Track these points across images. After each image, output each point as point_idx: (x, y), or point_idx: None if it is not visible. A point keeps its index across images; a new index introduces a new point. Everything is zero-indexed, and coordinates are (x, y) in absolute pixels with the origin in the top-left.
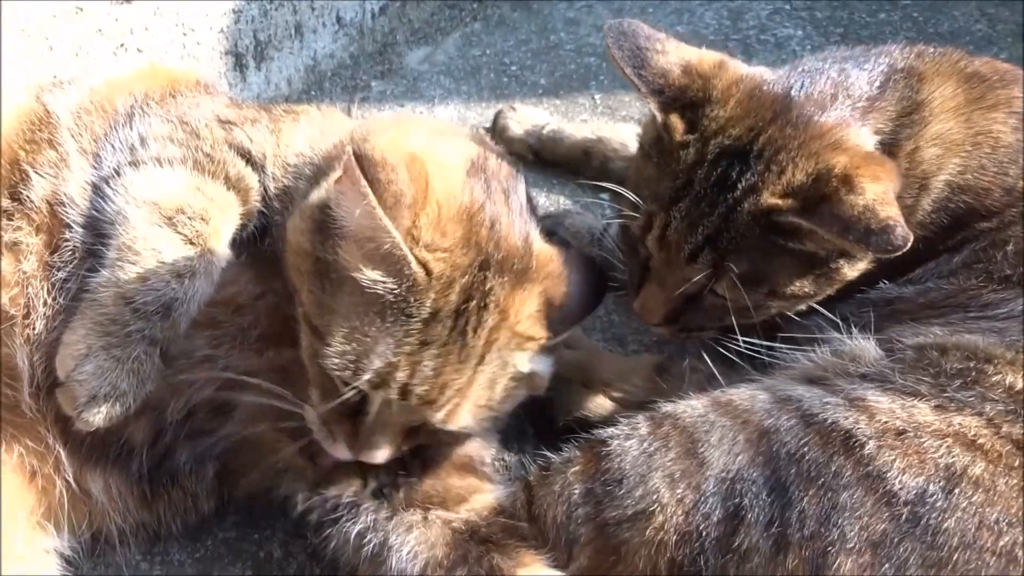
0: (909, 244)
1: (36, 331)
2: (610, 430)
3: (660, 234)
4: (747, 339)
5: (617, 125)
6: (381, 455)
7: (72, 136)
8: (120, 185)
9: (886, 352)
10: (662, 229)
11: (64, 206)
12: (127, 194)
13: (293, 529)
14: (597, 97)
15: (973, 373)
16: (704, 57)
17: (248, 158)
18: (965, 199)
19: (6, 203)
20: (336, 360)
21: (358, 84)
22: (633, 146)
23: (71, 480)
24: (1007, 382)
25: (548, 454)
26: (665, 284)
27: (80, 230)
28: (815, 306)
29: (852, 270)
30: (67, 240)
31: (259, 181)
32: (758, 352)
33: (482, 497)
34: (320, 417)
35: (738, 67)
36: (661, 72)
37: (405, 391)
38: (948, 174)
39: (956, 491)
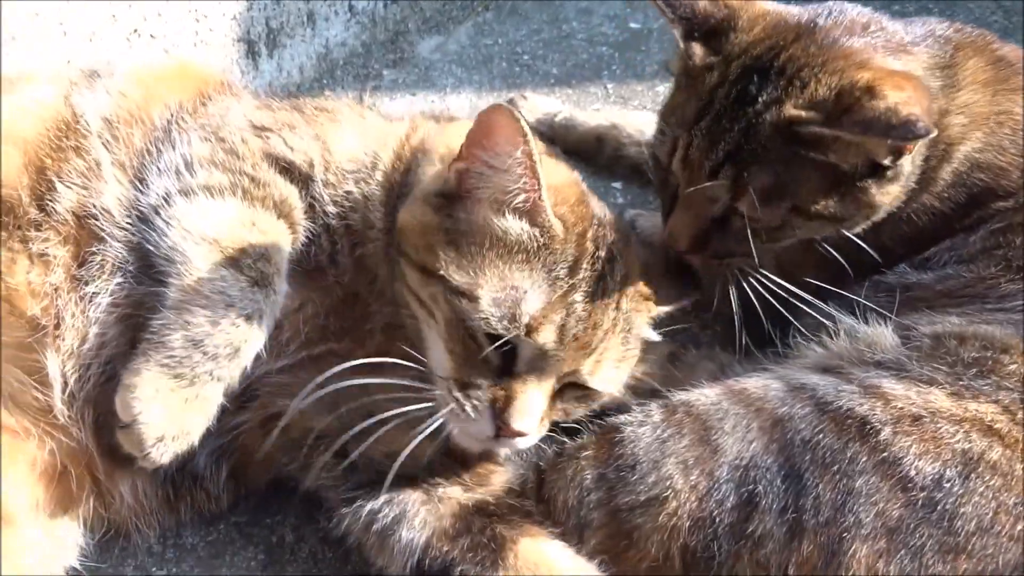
0: (932, 135)
1: (67, 342)
2: (623, 417)
3: (683, 155)
4: (768, 278)
5: (631, 113)
6: (530, 422)
7: (105, 146)
8: (173, 217)
9: (902, 339)
10: (685, 149)
11: (95, 219)
12: (182, 228)
13: (304, 514)
14: (609, 87)
15: (989, 362)
16: None
17: (289, 170)
18: (983, 177)
19: (34, 213)
20: (493, 311)
21: (370, 72)
22: (648, 132)
23: (102, 480)
24: (1023, 372)
25: (562, 439)
26: (691, 207)
27: (116, 245)
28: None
29: (880, 194)
30: (95, 253)
31: (303, 195)
32: (779, 307)
33: (496, 478)
34: (459, 388)
35: (765, 3)
36: (690, 2)
37: (562, 333)
38: (970, 147)
39: (973, 476)
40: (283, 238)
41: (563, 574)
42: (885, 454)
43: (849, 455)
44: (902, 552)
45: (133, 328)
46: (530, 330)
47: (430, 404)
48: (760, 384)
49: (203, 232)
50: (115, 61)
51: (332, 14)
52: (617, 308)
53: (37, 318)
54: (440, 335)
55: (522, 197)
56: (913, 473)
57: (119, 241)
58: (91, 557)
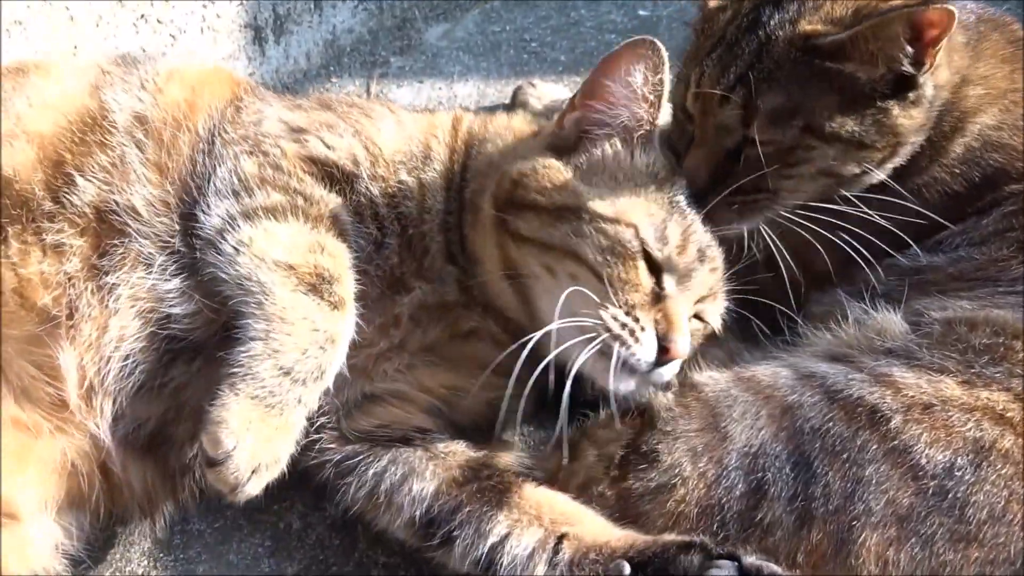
0: (956, 17)
1: (84, 333)
2: (656, 399)
3: (696, 86)
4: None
5: None
6: (687, 342)
7: (136, 144)
8: (241, 243)
9: (912, 326)
10: (697, 81)
11: (118, 215)
12: (252, 254)
13: (312, 501)
14: None
15: (1001, 349)
16: None
17: (330, 172)
18: (997, 158)
19: (48, 206)
20: (651, 232)
21: (377, 59)
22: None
23: (115, 473)
24: None
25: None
26: (706, 140)
27: (144, 242)
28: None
29: (904, 116)
30: (117, 246)
31: (348, 195)
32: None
33: (505, 455)
34: (625, 313)
35: None
36: None
37: (702, 253)
38: (984, 121)
39: (985, 464)
40: (347, 257)
41: (566, 510)
42: (895, 442)
43: (859, 443)
44: (912, 540)
45: (154, 323)
46: (679, 250)
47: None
48: (769, 372)
49: (276, 258)
50: (154, 56)
51: (339, 0)
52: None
53: (48, 308)
54: (586, 271)
55: (646, 129)
56: (924, 461)
57: (145, 238)
58: (97, 545)
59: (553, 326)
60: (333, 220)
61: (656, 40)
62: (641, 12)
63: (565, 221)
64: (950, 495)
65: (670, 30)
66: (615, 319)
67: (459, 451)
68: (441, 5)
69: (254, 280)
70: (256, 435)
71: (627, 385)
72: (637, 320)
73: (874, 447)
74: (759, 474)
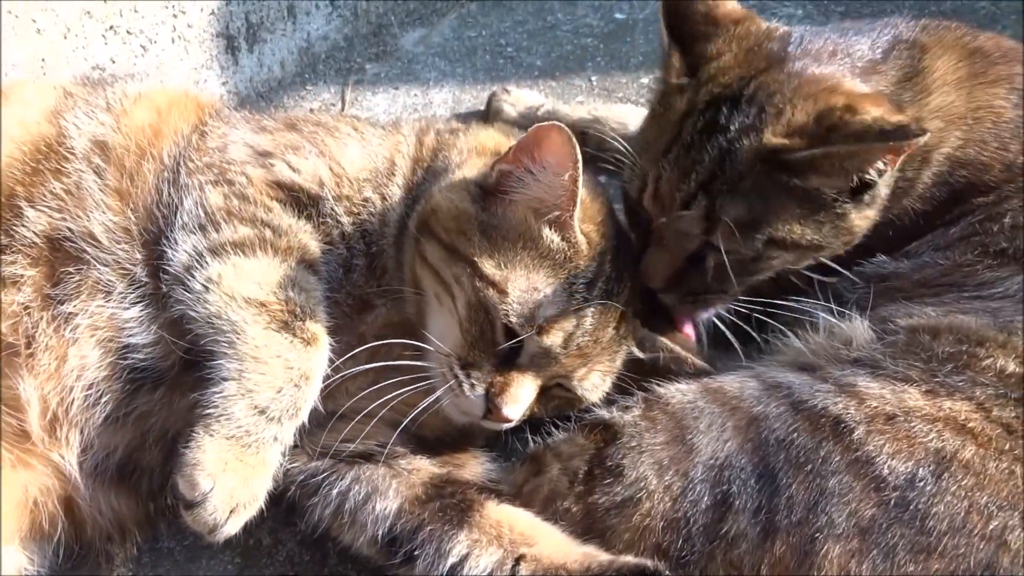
0: (927, 136)
1: (43, 363)
2: (618, 415)
3: (654, 189)
4: (750, 302)
5: (614, 106)
6: (518, 410)
7: (94, 171)
8: (210, 281)
9: (879, 334)
10: (655, 183)
11: (76, 242)
12: (221, 292)
13: (282, 517)
14: (594, 79)
15: (965, 357)
16: (732, 8)
17: (297, 196)
18: (965, 174)
19: (6, 239)
20: (515, 306)
21: (352, 66)
22: (632, 125)
23: (82, 504)
24: (998, 366)
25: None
26: (665, 243)
27: (102, 269)
28: (819, 277)
29: (860, 218)
30: (73, 273)
31: (314, 217)
32: (760, 316)
33: (473, 465)
34: (461, 367)
35: (758, 23)
36: (685, 12)
37: (568, 340)
38: (949, 147)
39: (946, 475)
40: (318, 290)
41: (525, 530)
42: (858, 453)
43: (822, 454)
44: (874, 552)
45: (114, 353)
46: (541, 331)
47: (425, 383)
48: (737, 383)
49: (247, 296)
50: (124, 76)
51: (313, 8)
52: (616, 329)
53: (5, 336)
54: (455, 314)
55: (557, 213)
56: (886, 472)
57: (105, 265)
58: (65, 568)
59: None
60: (303, 251)
61: (571, 134)
62: (617, 15)
63: (455, 263)
64: (911, 506)
65: (646, 33)
66: (451, 368)
67: (422, 468)
68: (417, 10)
69: (224, 319)
70: (233, 475)
71: (460, 418)
72: (469, 377)
73: (837, 458)
74: (724, 486)
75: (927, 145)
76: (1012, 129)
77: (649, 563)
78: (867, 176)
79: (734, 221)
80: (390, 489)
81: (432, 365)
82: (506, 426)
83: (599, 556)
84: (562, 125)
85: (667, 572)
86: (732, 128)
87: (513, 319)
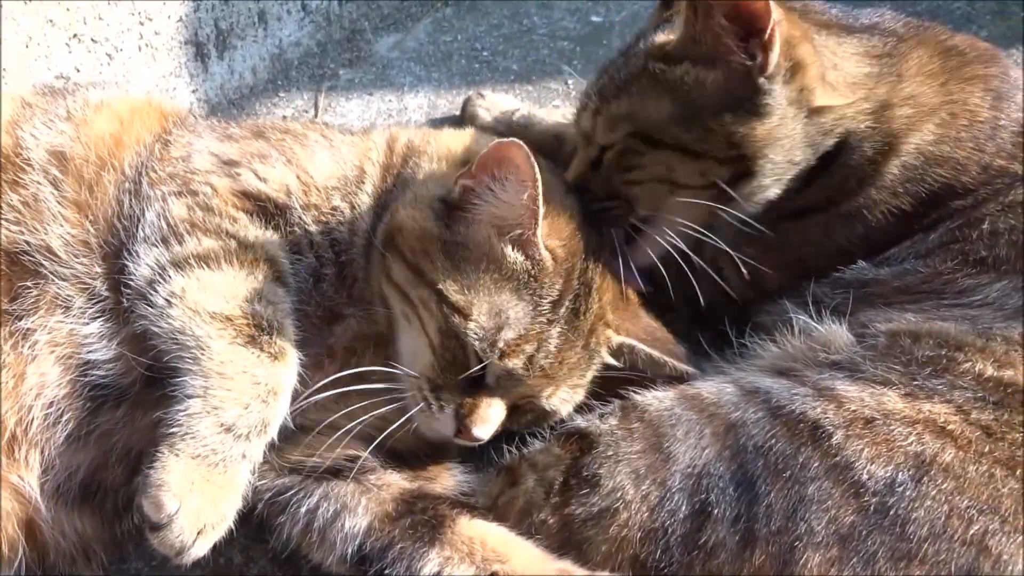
0: (775, 16)
1: (0, 381)
2: (595, 424)
3: (580, 107)
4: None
5: None
6: (488, 429)
7: (51, 183)
8: (173, 295)
9: (858, 338)
10: (584, 102)
11: (33, 256)
12: (185, 306)
13: (253, 534)
14: (570, 82)
15: (944, 361)
16: None
17: (264, 206)
18: (942, 173)
19: None
20: (478, 331)
21: (326, 72)
22: None
23: (48, 524)
24: (977, 370)
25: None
26: (580, 150)
27: (62, 284)
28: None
29: (741, 127)
30: (31, 288)
31: (282, 228)
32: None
33: (446, 477)
34: (431, 389)
35: None
36: None
37: (530, 362)
38: (920, 139)
39: (926, 479)
40: (286, 302)
41: (498, 546)
42: (837, 458)
43: (801, 460)
44: (854, 560)
45: (74, 370)
46: (503, 355)
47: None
48: (714, 388)
49: (211, 310)
50: (86, 85)
51: (284, 13)
52: (585, 346)
53: None
54: (424, 336)
55: (519, 231)
56: (865, 477)
57: (63, 280)
58: None
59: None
60: (270, 263)
61: (530, 152)
62: (594, 18)
63: (421, 285)
64: (891, 512)
65: (623, 36)
66: (420, 390)
67: (393, 483)
68: (392, 15)
69: (189, 334)
70: (200, 495)
71: (432, 434)
72: (439, 399)
73: (816, 464)
74: (703, 495)
75: (894, 133)
76: (988, 130)
77: None
78: (736, 64)
79: (611, 116)
80: (359, 506)
81: (403, 385)
82: (476, 444)
83: (574, 572)
84: (520, 143)
85: None
86: (642, 43)
87: (476, 344)
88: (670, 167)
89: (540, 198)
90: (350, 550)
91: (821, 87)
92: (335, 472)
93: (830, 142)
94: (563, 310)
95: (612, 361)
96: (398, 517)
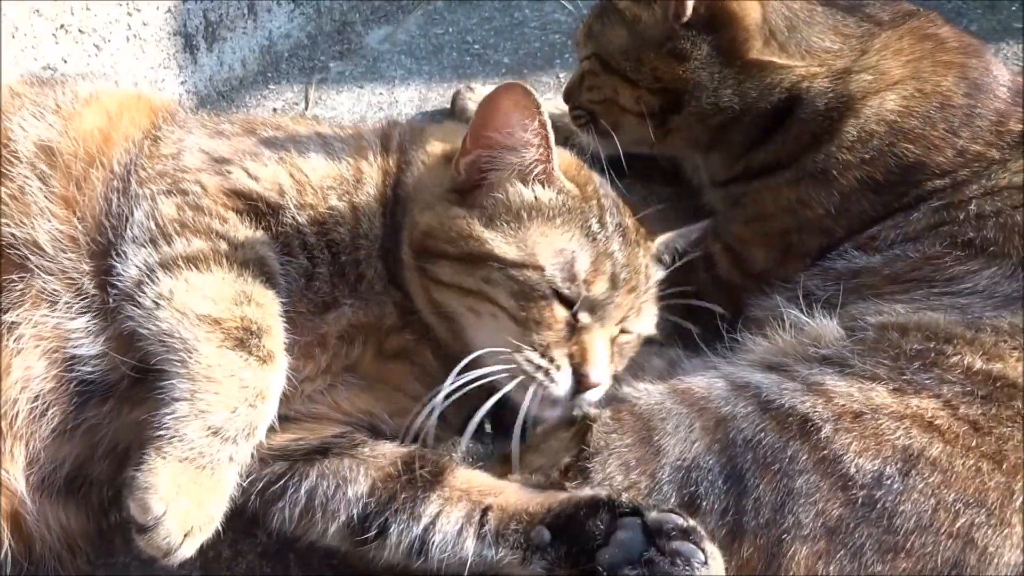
0: None
1: None
2: (594, 412)
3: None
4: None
5: None
6: (603, 370)
7: (38, 177)
8: (161, 297)
9: (848, 332)
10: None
11: (20, 249)
12: (173, 309)
13: (242, 527)
14: (562, 75)
15: (932, 354)
16: None
17: (256, 205)
18: (912, 148)
19: None
20: (556, 274)
21: (316, 65)
22: None
23: (33, 517)
24: (965, 363)
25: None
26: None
27: (47, 278)
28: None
29: (660, 63)
30: (17, 281)
31: (272, 227)
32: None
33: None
34: (540, 353)
35: None
36: None
37: (614, 280)
38: (881, 107)
39: (913, 473)
40: (275, 305)
41: (490, 484)
42: (825, 452)
43: (790, 454)
44: (841, 553)
45: (60, 364)
46: (588, 284)
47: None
48: (704, 383)
49: (200, 313)
50: (75, 76)
51: (275, 5)
52: (642, 248)
53: None
54: (502, 312)
55: (540, 167)
56: (853, 471)
57: (50, 274)
58: None
59: (480, 371)
60: (260, 263)
61: (526, 86)
62: (585, 12)
63: (477, 268)
64: (879, 505)
65: None
66: (529, 361)
67: (388, 451)
68: (383, 8)
69: (176, 337)
70: (187, 498)
71: (552, 413)
72: (552, 360)
73: (804, 457)
74: (692, 488)
75: (850, 94)
76: (962, 117)
77: (603, 493)
78: (657, 2)
79: (587, 35)
80: (360, 475)
81: (501, 377)
82: (596, 394)
83: (558, 495)
84: (511, 83)
85: (618, 500)
86: None
87: (560, 284)
88: (615, 90)
89: (548, 123)
90: (355, 512)
91: (761, 43)
92: (324, 451)
93: (775, 96)
94: (611, 225)
95: (660, 273)
96: (399, 475)
